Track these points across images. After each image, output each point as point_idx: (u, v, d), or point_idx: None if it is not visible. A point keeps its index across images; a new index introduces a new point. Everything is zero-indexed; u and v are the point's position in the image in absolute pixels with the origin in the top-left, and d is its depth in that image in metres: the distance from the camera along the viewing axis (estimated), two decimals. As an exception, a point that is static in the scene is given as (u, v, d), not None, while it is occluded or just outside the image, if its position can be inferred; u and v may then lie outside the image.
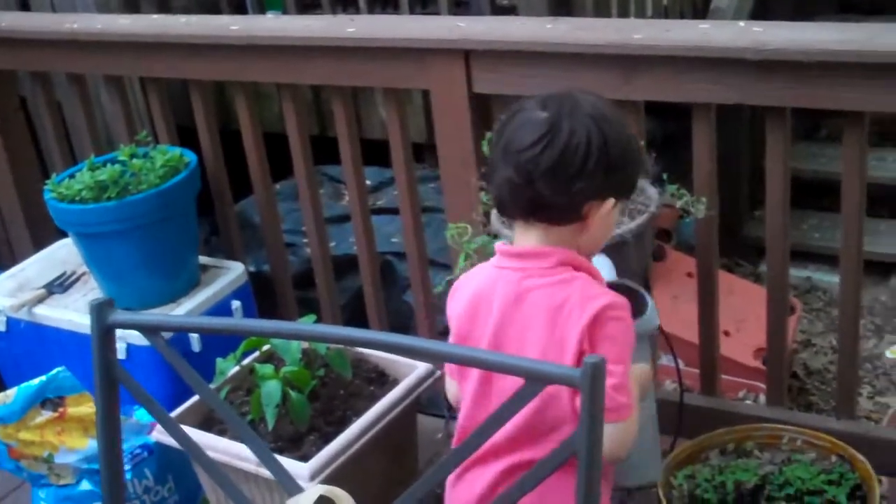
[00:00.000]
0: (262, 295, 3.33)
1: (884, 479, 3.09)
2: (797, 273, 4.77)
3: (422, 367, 2.64)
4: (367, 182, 3.91)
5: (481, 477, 1.82)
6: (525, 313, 1.75)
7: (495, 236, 2.49)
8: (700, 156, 2.52)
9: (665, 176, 2.38)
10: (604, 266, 2.02)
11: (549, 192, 1.68)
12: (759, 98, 2.36)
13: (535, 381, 1.27)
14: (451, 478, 1.90)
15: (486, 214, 2.46)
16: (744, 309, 4.10)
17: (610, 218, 1.78)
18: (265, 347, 2.66)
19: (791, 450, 2.50)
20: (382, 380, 2.68)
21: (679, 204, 2.36)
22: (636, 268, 2.39)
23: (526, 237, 1.78)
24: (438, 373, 2.65)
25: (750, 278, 4.78)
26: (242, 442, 2.34)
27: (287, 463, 2.36)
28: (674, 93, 2.46)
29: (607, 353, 1.59)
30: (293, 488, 1.53)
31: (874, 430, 2.78)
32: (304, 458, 2.39)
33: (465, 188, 2.61)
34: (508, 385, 1.71)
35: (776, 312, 2.66)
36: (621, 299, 1.74)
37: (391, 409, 2.52)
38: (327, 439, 2.44)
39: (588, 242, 1.79)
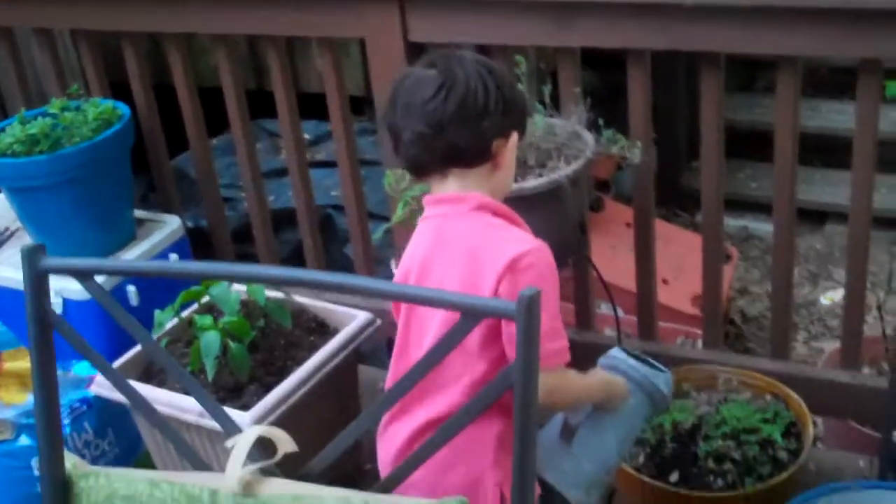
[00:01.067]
0: (201, 250, 3.31)
1: (818, 419, 3.18)
2: (734, 222, 4.83)
3: (361, 316, 2.65)
4: (307, 136, 3.93)
5: (399, 432, 1.85)
6: (444, 256, 1.79)
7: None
8: (635, 102, 2.53)
9: (601, 122, 2.39)
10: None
11: (460, 135, 1.75)
12: (693, 43, 2.38)
13: (471, 315, 1.28)
14: (379, 432, 1.93)
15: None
16: (682, 258, 4.14)
17: (513, 156, 1.85)
18: (204, 299, 2.63)
19: (727, 390, 2.55)
20: (323, 329, 2.68)
21: (614, 149, 2.37)
22: (573, 213, 2.41)
23: (443, 187, 1.84)
24: (379, 322, 2.67)
25: (688, 228, 4.83)
26: (183, 391, 2.36)
27: (227, 412, 2.37)
28: (608, 39, 2.47)
29: None
30: (233, 431, 1.53)
31: (807, 370, 2.83)
32: (245, 408, 2.39)
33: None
34: (431, 327, 1.76)
35: (711, 257, 2.69)
36: (538, 244, 1.76)
37: (331, 358, 2.53)
38: (268, 389, 2.44)
39: (498, 184, 1.85)
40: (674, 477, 2.34)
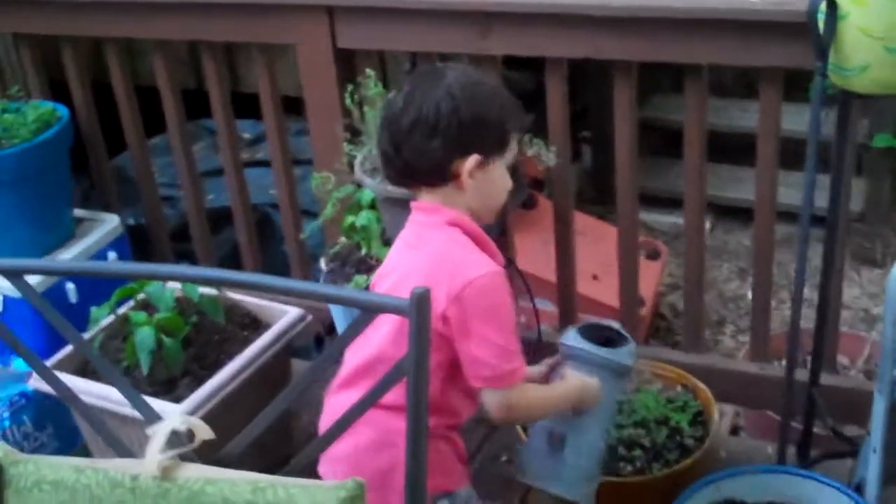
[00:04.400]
0: (140, 248, 3.39)
1: (740, 409, 3.31)
2: (665, 219, 4.95)
3: (293, 312, 2.75)
4: (246, 135, 4.01)
5: (340, 404, 1.88)
6: (413, 260, 1.87)
7: (359, 185, 2.61)
8: (553, 106, 2.66)
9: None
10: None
11: (411, 154, 1.81)
12: (603, 52, 2.51)
13: (369, 310, 1.39)
14: (326, 397, 2.00)
15: (350, 164, 2.57)
16: (613, 254, 4.28)
17: (490, 176, 1.86)
18: (140, 296, 2.72)
19: (640, 381, 2.67)
20: (255, 325, 2.78)
21: (530, 152, 2.49)
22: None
23: (422, 197, 1.91)
24: (310, 317, 2.77)
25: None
26: (109, 382, 2.45)
27: (160, 405, 2.47)
28: (526, 47, 2.59)
29: (482, 327, 1.78)
30: (154, 419, 1.63)
31: (719, 361, 2.97)
32: (179, 400, 2.48)
33: (331, 139, 2.71)
34: (385, 321, 1.80)
35: (626, 253, 2.82)
36: (493, 269, 1.82)
37: (263, 352, 2.63)
38: (201, 382, 2.54)
39: (475, 202, 1.88)
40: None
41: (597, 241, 4.17)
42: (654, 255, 4.44)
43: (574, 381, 2.01)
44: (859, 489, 2.18)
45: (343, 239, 2.73)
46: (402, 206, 2.46)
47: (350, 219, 2.64)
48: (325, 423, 1.93)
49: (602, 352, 2.04)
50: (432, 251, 1.85)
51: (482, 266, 1.82)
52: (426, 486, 1.49)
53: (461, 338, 1.79)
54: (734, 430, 3.52)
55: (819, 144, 2.20)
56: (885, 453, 2.09)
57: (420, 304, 1.34)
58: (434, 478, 1.76)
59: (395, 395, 1.78)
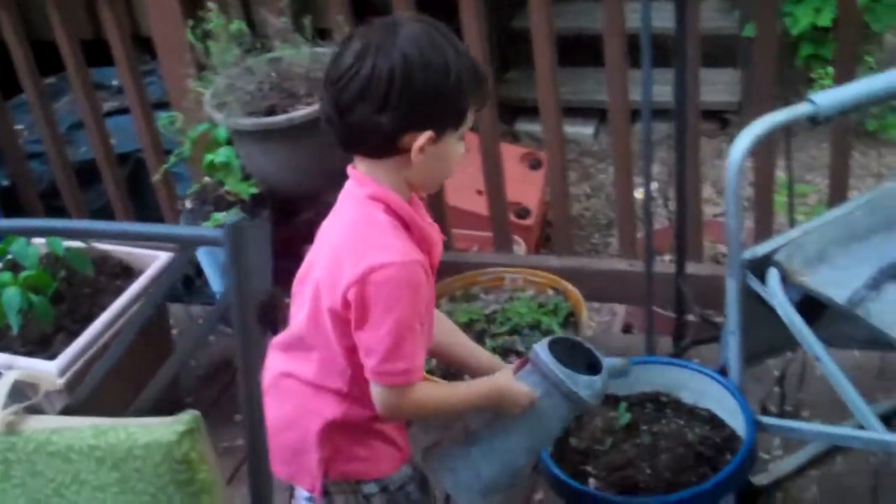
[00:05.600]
0: (13, 209, 3.33)
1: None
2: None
3: (163, 257, 2.72)
4: (115, 82, 3.93)
5: (272, 364, 1.83)
6: (333, 226, 1.76)
7: (213, 123, 2.59)
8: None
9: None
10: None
11: (357, 122, 1.63)
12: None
13: (185, 244, 1.39)
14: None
15: (199, 102, 2.54)
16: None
17: (442, 151, 1.68)
18: (8, 257, 2.69)
19: (513, 289, 2.71)
20: (128, 273, 2.75)
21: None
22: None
23: (357, 165, 1.74)
24: (182, 261, 2.75)
25: (507, 138, 4.99)
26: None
27: (36, 363, 2.46)
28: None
29: (377, 318, 1.64)
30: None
31: (589, 263, 3.03)
32: (54, 358, 2.46)
33: (182, 77, 2.67)
34: (313, 279, 1.74)
35: (491, 168, 2.84)
36: (403, 260, 1.65)
37: (135, 301, 2.61)
38: (75, 336, 2.52)
39: (421, 176, 1.71)
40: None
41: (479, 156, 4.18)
42: (536, 166, 4.48)
43: (492, 383, 1.85)
44: (724, 371, 2.25)
45: (206, 179, 2.71)
46: (255, 138, 2.47)
47: (209, 157, 2.62)
48: (265, 376, 1.82)
49: (560, 372, 1.83)
50: (344, 226, 1.72)
51: (392, 253, 1.65)
52: (266, 443, 1.47)
53: (357, 324, 1.66)
54: (627, 329, 3.60)
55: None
56: (743, 335, 2.16)
57: (235, 236, 1.34)
58: (356, 463, 1.80)
59: (323, 375, 1.77)
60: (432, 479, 1.89)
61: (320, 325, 1.73)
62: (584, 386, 1.84)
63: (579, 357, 1.91)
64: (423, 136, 1.63)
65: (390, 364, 1.67)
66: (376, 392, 1.71)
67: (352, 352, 1.71)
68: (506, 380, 1.84)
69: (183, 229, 1.41)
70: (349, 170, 1.73)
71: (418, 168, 1.67)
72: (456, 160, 1.73)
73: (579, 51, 4.81)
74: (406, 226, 1.70)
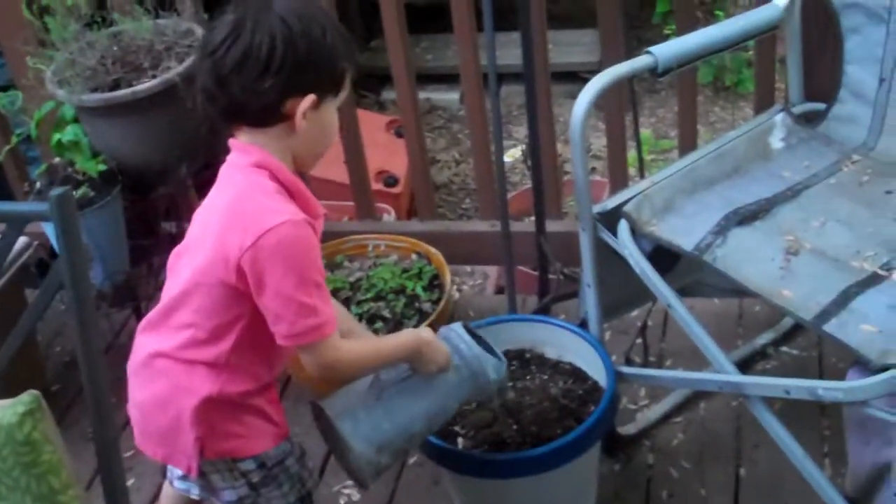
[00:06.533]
0: None
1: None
2: (443, 96, 5.03)
3: (19, 241, 2.65)
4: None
5: (144, 346, 1.81)
6: (215, 202, 1.74)
7: (60, 102, 2.52)
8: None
9: (207, 17, 2.46)
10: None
11: (239, 92, 1.64)
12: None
13: (14, 221, 1.35)
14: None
15: (40, 79, 2.47)
16: (365, 137, 4.30)
17: (324, 117, 1.72)
18: None
19: (377, 256, 2.71)
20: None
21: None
22: (197, 110, 2.47)
23: (239, 137, 1.74)
24: (35, 244, 2.68)
25: (374, 107, 4.98)
26: None
27: None
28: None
29: (277, 280, 1.63)
30: None
31: (451, 226, 3.05)
32: None
33: (19, 55, 2.59)
34: (196, 253, 1.73)
35: (351, 139, 2.83)
36: (293, 219, 1.66)
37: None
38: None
39: (304, 145, 1.73)
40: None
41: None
42: (403, 134, 4.46)
43: (414, 333, 1.88)
44: (584, 325, 2.28)
45: (57, 159, 2.64)
46: (100, 114, 2.41)
47: (56, 136, 2.56)
48: (130, 362, 1.83)
49: (475, 348, 1.89)
50: (231, 195, 1.70)
51: (280, 214, 1.65)
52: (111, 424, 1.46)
53: (257, 292, 1.66)
54: (500, 290, 3.63)
55: None
56: (599, 287, 2.19)
57: (61, 206, 1.31)
58: (232, 441, 1.78)
59: (198, 349, 1.74)
60: (330, 423, 1.85)
61: (200, 298, 1.71)
62: (493, 368, 1.90)
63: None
64: (307, 100, 1.66)
65: (301, 323, 1.67)
66: (303, 355, 1.71)
67: (237, 320, 1.71)
68: (429, 333, 1.87)
69: (6, 205, 1.37)
70: (231, 142, 1.73)
71: (301, 136, 1.69)
72: (335, 131, 1.77)
73: (443, 18, 4.81)
74: (290, 194, 1.71)
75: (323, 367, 1.72)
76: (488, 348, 1.94)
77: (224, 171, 1.75)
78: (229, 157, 1.74)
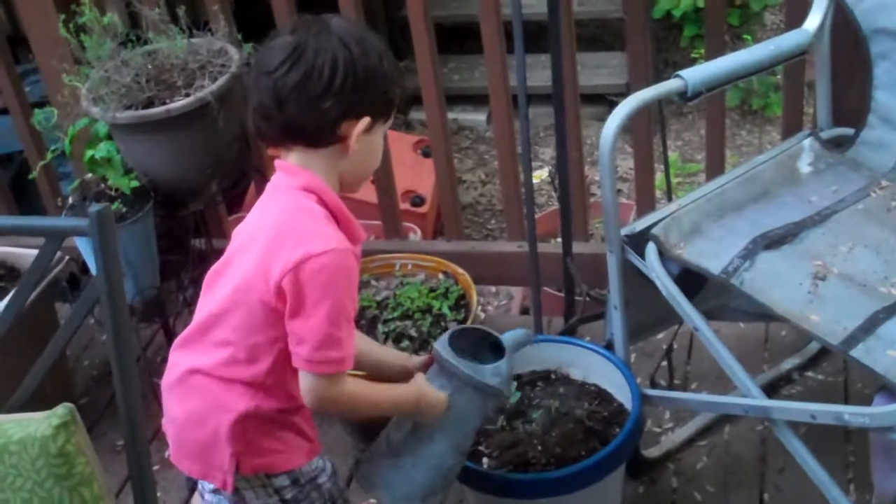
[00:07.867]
0: None
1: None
2: (469, 116, 5.05)
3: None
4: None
5: (180, 363, 1.82)
6: (260, 223, 1.76)
7: (94, 119, 2.55)
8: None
9: (240, 36, 2.49)
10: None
11: (298, 112, 1.66)
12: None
13: (53, 236, 1.37)
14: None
15: (75, 96, 2.51)
16: (394, 157, 4.32)
17: (373, 141, 1.74)
18: None
19: (403, 275, 2.72)
20: (13, 275, 2.71)
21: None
22: (228, 128, 2.50)
23: (287, 157, 1.75)
24: (67, 258, 2.71)
25: (401, 127, 5.00)
26: None
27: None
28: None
29: (312, 306, 1.64)
30: None
31: (477, 246, 3.05)
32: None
33: (55, 73, 2.63)
34: (236, 272, 1.74)
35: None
36: (338, 248, 1.66)
37: (17, 301, 2.55)
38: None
39: (353, 167, 1.75)
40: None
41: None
42: (429, 153, 4.48)
43: (412, 390, 1.87)
44: (610, 346, 2.29)
45: (89, 175, 2.67)
46: (134, 131, 2.44)
47: (89, 152, 2.59)
48: (165, 379, 1.83)
49: (464, 367, 1.86)
50: (278, 217, 1.72)
51: (328, 241, 1.66)
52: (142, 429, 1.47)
53: (291, 313, 1.67)
54: (525, 311, 3.64)
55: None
56: (626, 309, 2.20)
57: (101, 222, 1.33)
58: (268, 457, 1.79)
59: (236, 367, 1.75)
60: (372, 495, 1.89)
61: (238, 316, 1.72)
62: (491, 374, 1.88)
63: (481, 342, 1.94)
64: (362, 123, 1.68)
65: (324, 352, 1.68)
66: (308, 382, 1.71)
67: (275, 342, 1.72)
68: (416, 388, 1.86)
69: (47, 220, 1.40)
70: (277, 163, 1.75)
71: (352, 158, 1.70)
72: (379, 157, 1.79)
73: (470, 40, 4.85)
74: (336, 220, 1.72)
75: (321, 399, 1.73)
76: (482, 344, 1.94)
77: (269, 192, 1.77)
78: (275, 178, 1.76)
